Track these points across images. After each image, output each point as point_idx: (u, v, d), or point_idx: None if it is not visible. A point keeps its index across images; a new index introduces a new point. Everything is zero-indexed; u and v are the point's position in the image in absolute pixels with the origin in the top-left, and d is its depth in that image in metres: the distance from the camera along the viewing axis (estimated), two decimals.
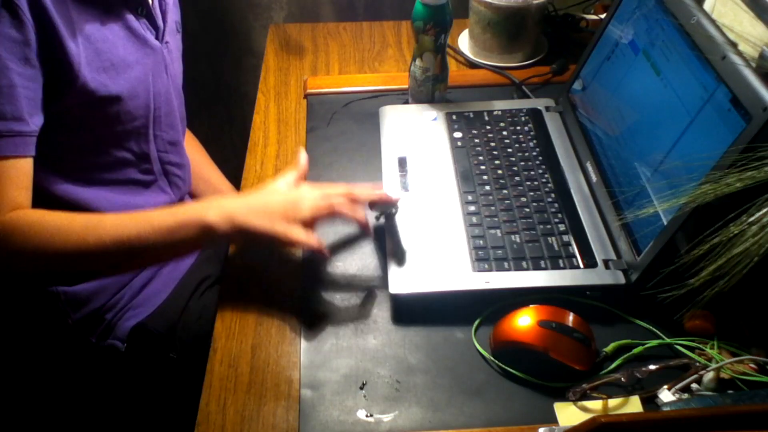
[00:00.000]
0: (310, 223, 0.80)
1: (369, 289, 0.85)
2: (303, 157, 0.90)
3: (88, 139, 0.88)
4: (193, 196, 1.14)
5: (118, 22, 0.87)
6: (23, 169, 0.78)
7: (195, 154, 1.17)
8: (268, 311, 0.83)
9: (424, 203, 0.93)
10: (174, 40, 0.99)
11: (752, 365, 0.74)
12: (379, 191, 0.88)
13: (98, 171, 0.91)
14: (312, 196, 0.82)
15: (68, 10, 0.79)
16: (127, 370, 0.97)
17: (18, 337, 0.96)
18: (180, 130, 1.03)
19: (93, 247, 0.77)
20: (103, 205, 0.90)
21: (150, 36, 0.91)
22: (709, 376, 0.73)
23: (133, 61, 0.88)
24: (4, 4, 0.73)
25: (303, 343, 0.79)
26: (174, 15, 0.98)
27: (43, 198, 0.82)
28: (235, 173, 1.12)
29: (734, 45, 0.77)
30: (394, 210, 0.91)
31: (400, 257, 0.85)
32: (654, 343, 0.78)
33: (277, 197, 0.82)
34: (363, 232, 0.89)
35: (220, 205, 0.80)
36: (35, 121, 0.78)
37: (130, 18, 0.88)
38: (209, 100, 1.69)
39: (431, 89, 1.10)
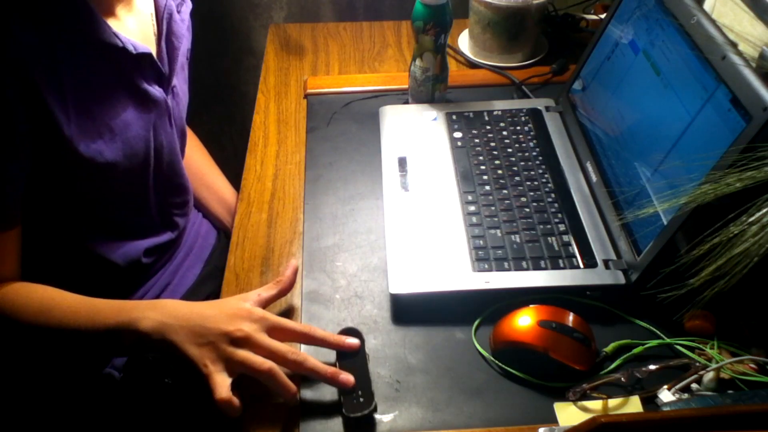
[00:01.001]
0: (238, 366, 0.71)
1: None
2: (290, 270, 0.81)
3: (84, 198, 0.86)
4: (196, 202, 1.13)
5: (118, 83, 0.83)
6: (8, 241, 0.80)
7: (197, 157, 1.16)
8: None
9: (424, 203, 0.93)
10: (182, 75, 0.95)
11: (752, 365, 0.74)
12: (327, 370, 0.72)
13: (95, 224, 0.90)
14: (255, 336, 0.72)
15: (62, 83, 0.76)
16: (121, 398, 0.96)
17: (12, 366, 0.96)
18: (183, 174, 1.01)
19: (43, 330, 0.80)
20: (102, 249, 0.90)
21: (153, 89, 0.87)
22: (709, 376, 0.73)
23: (132, 119, 0.85)
24: None
25: (303, 344, 0.79)
26: (185, 46, 0.94)
27: (50, 252, 0.85)
28: (235, 173, 1.11)
29: (734, 45, 0.77)
30: (364, 402, 0.71)
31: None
32: (654, 343, 0.78)
33: (219, 321, 0.73)
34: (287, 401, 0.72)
35: (161, 312, 0.75)
36: (16, 193, 0.78)
37: (132, 75, 0.84)
38: (209, 100, 1.69)
39: (431, 89, 1.10)
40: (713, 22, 0.80)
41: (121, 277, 0.95)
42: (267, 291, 0.79)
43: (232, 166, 1.23)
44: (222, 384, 0.70)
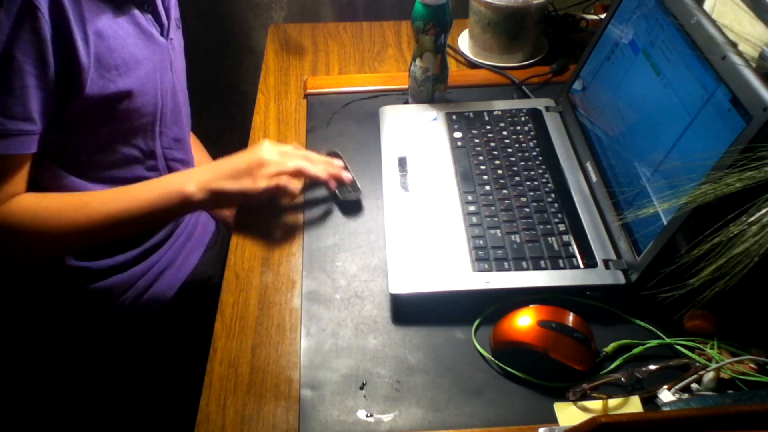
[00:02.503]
0: (275, 176, 0.88)
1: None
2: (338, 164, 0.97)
3: (96, 137, 0.89)
4: None
5: (127, 17, 0.87)
6: (25, 164, 0.82)
7: (197, 156, 1.17)
8: (268, 311, 0.83)
9: (424, 203, 0.93)
10: (177, 36, 0.99)
11: (752, 365, 0.74)
12: (332, 168, 0.94)
13: (104, 168, 0.92)
14: (274, 155, 0.89)
15: (81, 8, 0.80)
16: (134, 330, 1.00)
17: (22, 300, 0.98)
18: (185, 127, 1.04)
19: (84, 225, 0.85)
20: None
21: (156, 32, 0.92)
22: (709, 376, 0.73)
23: (143, 58, 0.89)
24: (25, 5, 0.73)
25: (303, 343, 0.79)
26: (175, 12, 0.99)
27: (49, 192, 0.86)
28: None
29: (734, 45, 0.77)
30: (353, 192, 0.96)
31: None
32: (654, 343, 0.78)
33: (242, 159, 0.89)
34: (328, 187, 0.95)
35: (195, 176, 0.89)
36: (42, 120, 0.80)
37: (137, 14, 0.89)
38: (209, 100, 1.69)
39: (431, 89, 1.10)
40: (713, 22, 0.80)
41: (125, 241, 0.97)
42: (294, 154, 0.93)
43: None
44: (265, 182, 0.87)
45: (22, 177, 0.82)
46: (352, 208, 0.96)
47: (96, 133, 0.88)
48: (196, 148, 1.19)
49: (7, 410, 1.01)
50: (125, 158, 0.93)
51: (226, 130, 1.77)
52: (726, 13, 1.00)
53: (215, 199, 0.89)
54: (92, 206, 0.85)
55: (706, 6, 1.04)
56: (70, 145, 0.87)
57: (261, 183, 0.87)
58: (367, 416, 0.72)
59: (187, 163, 1.05)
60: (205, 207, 0.98)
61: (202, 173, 0.89)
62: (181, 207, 0.88)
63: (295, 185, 0.90)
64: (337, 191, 0.96)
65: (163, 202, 0.87)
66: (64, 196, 0.87)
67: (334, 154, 0.99)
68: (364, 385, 0.75)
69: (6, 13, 0.73)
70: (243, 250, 0.91)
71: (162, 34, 0.93)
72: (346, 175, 0.95)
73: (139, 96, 0.89)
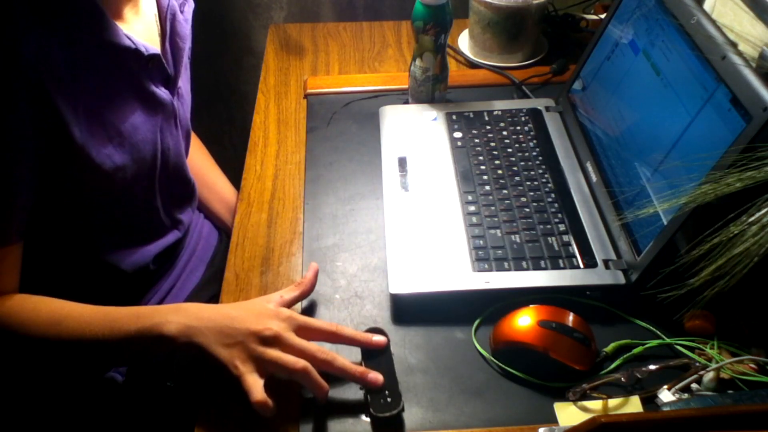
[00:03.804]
0: (270, 366, 0.71)
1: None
2: (311, 273, 0.81)
3: (93, 204, 0.85)
4: (198, 202, 1.13)
5: (128, 86, 0.82)
6: (10, 255, 0.78)
7: (198, 157, 1.16)
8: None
9: (424, 203, 0.93)
10: (185, 76, 0.94)
11: (752, 365, 0.74)
12: (357, 370, 0.72)
13: (104, 230, 0.89)
14: (285, 335, 0.72)
15: (73, 89, 0.75)
16: (123, 402, 0.96)
17: (14, 370, 0.95)
18: (189, 173, 1.00)
19: (55, 342, 0.77)
20: (111, 257, 0.90)
21: (160, 91, 0.87)
22: (709, 376, 0.73)
23: (140, 123, 0.84)
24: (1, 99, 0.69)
25: None
26: (187, 47, 0.93)
27: (57, 264, 0.84)
28: (235, 173, 1.11)
29: (734, 45, 0.77)
30: (390, 404, 0.71)
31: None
32: (654, 343, 0.78)
33: (247, 321, 0.72)
34: (318, 400, 0.72)
35: (184, 316, 0.74)
36: (25, 209, 0.77)
37: (141, 78, 0.83)
38: (209, 100, 1.69)
39: (431, 89, 1.10)
40: (713, 22, 0.80)
41: (127, 285, 0.94)
42: (289, 293, 0.78)
43: (232, 166, 1.23)
44: (255, 385, 0.69)
45: (10, 272, 0.78)
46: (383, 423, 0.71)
47: (92, 198, 0.84)
48: (198, 152, 1.18)
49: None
50: (125, 214, 0.90)
51: (226, 130, 1.77)
52: (726, 13, 1.00)
53: (198, 353, 0.72)
54: (66, 324, 0.76)
55: (706, 6, 1.04)
56: (64, 218, 0.83)
57: (248, 376, 0.69)
58: (367, 416, 0.72)
59: (190, 204, 1.02)
60: (189, 354, 0.76)
61: (191, 316, 0.73)
62: (160, 347, 0.74)
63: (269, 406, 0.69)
64: (368, 400, 0.71)
65: (141, 337, 0.74)
66: (46, 305, 0.78)
67: (377, 332, 0.77)
68: None
69: None
70: (243, 250, 0.91)
71: (168, 86, 0.88)
72: (372, 377, 0.72)
73: (135, 163, 0.84)
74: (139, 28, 0.85)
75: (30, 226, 0.79)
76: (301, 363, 0.70)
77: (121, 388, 0.95)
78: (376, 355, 0.75)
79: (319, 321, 0.76)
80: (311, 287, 0.81)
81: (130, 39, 0.80)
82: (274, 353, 0.71)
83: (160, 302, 1.00)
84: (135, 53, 0.81)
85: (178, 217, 1.00)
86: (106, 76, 0.79)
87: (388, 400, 0.71)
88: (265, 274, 0.88)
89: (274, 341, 0.71)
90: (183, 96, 0.94)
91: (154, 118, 0.87)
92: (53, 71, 0.73)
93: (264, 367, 0.70)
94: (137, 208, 0.92)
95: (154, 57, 0.84)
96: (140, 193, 0.90)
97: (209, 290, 1.05)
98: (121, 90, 0.82)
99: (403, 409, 0.71)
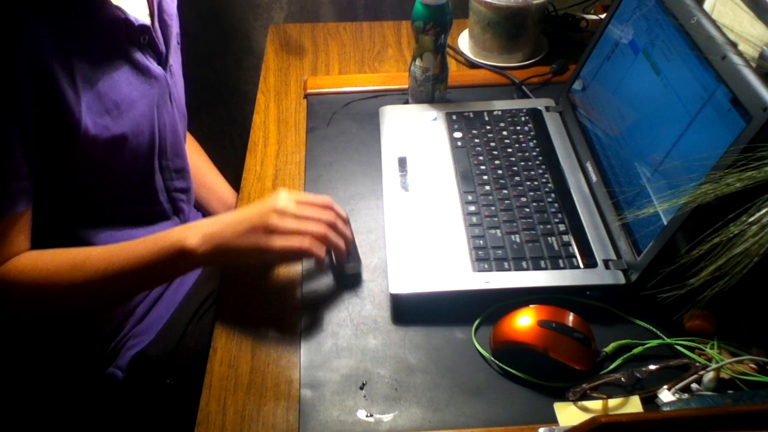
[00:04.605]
0: (291, 234, 0.78)
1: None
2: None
3: (92, 183, 0.86)
4: (196, 203, 1.13)
5: (122, 58, 0.83)
6: (22, 220, 0.79)
7: (196, 158, 1.16)
8: (268, 311, 0.83)
9: (424, 203, 0.93)
10: (176, 58, 0.96)
11: (752, 365, 0.74)
12: (349, 236, 0.84)
13: (104, 211, 0.90)
14: (291, 208, 0.79)
15: (69, 59, 0.76)
16: (123, 399, 0.96)
17: (20, 363, 0.96)
18: (186, 156, 1.01)
19: (82, 284, 0.79)
20: (111, 242, 0.89)
21: (153, 65, 0.88)
22: (709, 376, 0.73)
23: (137, 97, 0.85)
24: (1, 70, 0.70)
25: (303, 343, 0.79)
26: (175, 28, 0.95)
27: (51, 240, 0.83)
28: (235, 173, 1.11)
29: (734, 45, 0.77)
30: (353, 263, 0.86)
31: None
32: (654, 343, 0.78)
33: (254, 209, 0.80)
34: (337, 260, 0.84)
35: (199, 229, 0.79)
36: (33, 174, 0.78)
37: (133, 50, 0.85)
38: (209, 100, 1.69)
39: (431, 89, 1.10)
40: (713, 22, 0.80)
41: None
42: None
43: (232, 166, 1.23)
44: (288, 241, 0.77)
45: (19, 235, 0.79)
46: (351, 279, 0.86)
47: (91, 177, 0.85)
48: (195, 152, 1.18)
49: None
50: (123, 199, 0.91)
51: (226, 130, 1.77)
52: (726, 13, 1.00)
53: (221, 256, 0.79)
54: (89, 264, 0.79)
55: (706, 6, 1.04)
56: (65, 192, 0.84)
57: (277, 242, 0.78)
58: (367, 416, 0.72)
59: (188, 190, 1.02)
60: (211, 263, 0.87)
61: (206, 225, 0.80)
62: (184, 263, 0.79)
63: (319, 250, 0.79)
64: (336, 263, 0.86)
65: (163, 257, 0.79)
66: (62, 254, 0.81)
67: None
68: (364, 385, 0.75)
69: None
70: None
71: (160, 63, 0.89)
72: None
73: (134, 137, 0.85)
74: (130, 2, 0.87)
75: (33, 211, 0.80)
76: (322, 228, 0.80)
77: (122, 384, 0.95)
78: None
79: (311, 195, 0.84)
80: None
81: (120, 10, 0.82)
82: (290, 223, 0.79)
83: (159, 297, 1.01)
84: (126, 23, 0.83)
85: (178, 204, 1.01)
86: (100, 49, 0.81)
87: (352, 263, 0.86)
88: (265, 273, 0.88)
89: (285, 215, 0.79)
90: (176, 76, 0.96)
91: (149, 92, 0.88)
92: (50, 43, 0.74)
93: (286, 237, 0.78)
94: (137, 190, 0.93)
95: (144, 29, 0.86)
96: (139, 171, 0.91)
97: (208, 287, 1.05)
98: (116, 62, 0.83)
99: (361, 265, 0.86)
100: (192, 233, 0.79)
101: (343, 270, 0.86)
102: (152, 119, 0.89)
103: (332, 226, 0.82)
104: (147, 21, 0.87)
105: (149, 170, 0.93)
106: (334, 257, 0.85)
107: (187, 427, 0.73)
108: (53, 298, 0.81)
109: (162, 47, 0.90)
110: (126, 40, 0.84)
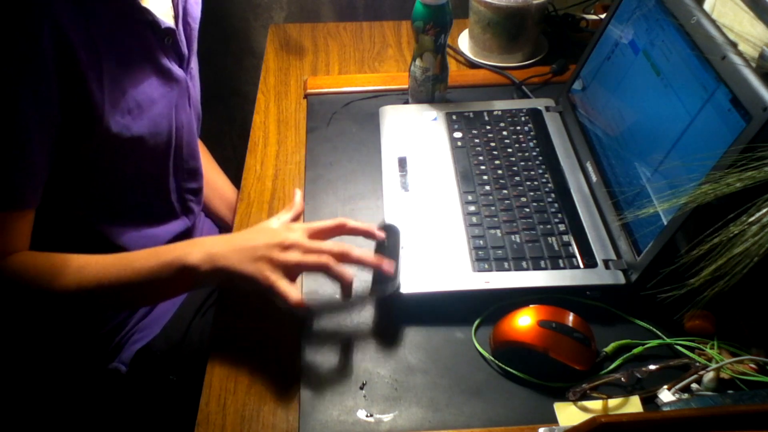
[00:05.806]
0: (294, 270, 0.76)
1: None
2: (298, 197, 0.86)
3: (106, 180, 0.86)
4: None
5: (147, 59, 0.84)
6: (26, 218, 0.79)
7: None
8: (267, 311, 0.83)
9: (424, 203, 0.93)
10: (195, 61, 0.96)
11: (752, 365, 0.74)
12: (372, 258, 0.78)
13: (116, 209, 0.90)
14: (301, 241, 0.77)
15: (99, 57, 0.76)
16: (126, 393, 0.96)
17: (24, 356, 0.96)
18: (199, 158, 1.01)
19: (75, 290, 0.78)
20: (122, 240, 0.90)
21: (175, 68, 0.89)
22: (709, 376, 0.73)
23: (158, 98, 0.86)
24: (26, 56, 0.70)
25: (303, 343, 0.79)
26: (197, 25, 0.95)
27: (62, 236, 0.84)
28: (235, 173, 1.11)
29: (734, 45, 0.77)
30: (393, 287, 0.80)
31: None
32: (654, 343, 0.78)
33: (263, 237, 0.77)
34: (342, 292, 0.78)
35: (203, 246, 0.77)
36: (45, 174, 0.78)
37: (158, 52, 0.86)
38: (209, 100, 1.68)
39: (431, 89, 1.10)
40: (713, 22, 0.80)
41: None
42: (285, 215, 0.83)
43: (232, 166, 1.23)
44: (290, 289, 0.73)
45: (21, 233, 0.79)
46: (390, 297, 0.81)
47: (105, 175, 0.86)
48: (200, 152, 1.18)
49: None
50: (136, 197, 0.91)
51: (226, 130, 1.77)
52: (726, 13, 1.00)
53: (223, 277, 0.76)
54: (86, 272, 0.78)
55: (706, 6, 1.04)
56: (79, 188, 0.85)
57: (279, 281, 0.74)
58: (367, 416, 0.72)
59: (198, 191, 1.02)
60: (211, 283, 0.86)
61: (211, 244, 0.78)
62: (184, 280, 0.77)
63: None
64: (374, 282, 0.80)
65: (162, 272, 0.76)
66: (59, 257, 0.79)
67: (387, 229, 0.83)
68: (364, 385, 0.75)
69: (7, 63, 0.70)
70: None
71: (181, 65, 0.90)
72: (386, 265, 0.78)
73: (152, 138, 0.86)
74: (156, 5, 0.87)
75: (43, 205, 0.80)
76: (324, 258, 0.76)
77: (125, 379, 0.95)
78: (382, 248, 0.81)
79: (323, 221, 0.80)
80: (301, 208, 0.86)
81: (148, 12, 0.83)
82: (297, 257, 0.76)
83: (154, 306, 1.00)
84: (152, 25, 0.84)
85: (188, 205, 1.01)
86: (126, 48, 0.82)
87: (381, 285, 0.79)
88: None
89: (293, 248, 0.76)
90: (195, 78, 0.96)
91: (169, 94, 0.88)
92: (81, 39, 0.75)
93: (291, 271, 0.75)
94: (150, 188, 0.93)
95: (170, 31, 0.86)
96: (153, 170, 0.92)
97: (207, 288, 1.05)
98: (140, 64, 0.84)
99: (399, 288, 0.80)
100: (196, 250, 0.76)
101: (372, 292, 0.80)
102: (170, 120, 0.90)
103: (342, 256, 0.77)
104: (172, 23, 0.88)
105: (164, 171, 0.93)
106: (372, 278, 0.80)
107: (188, 424, 0.73)
108: (46, 300, 0.81)
109: (184, 50, 0.91)
110: (152, 42, 0.85)
